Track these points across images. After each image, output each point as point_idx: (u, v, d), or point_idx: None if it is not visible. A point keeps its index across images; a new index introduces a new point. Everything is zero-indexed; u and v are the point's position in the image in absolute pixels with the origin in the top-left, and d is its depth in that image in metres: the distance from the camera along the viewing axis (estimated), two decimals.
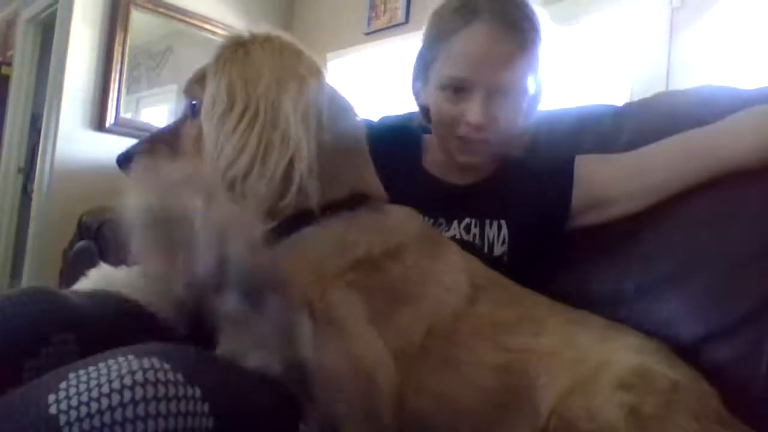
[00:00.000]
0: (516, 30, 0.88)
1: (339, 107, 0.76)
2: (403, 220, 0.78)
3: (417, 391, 0.68)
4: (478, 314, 0.74)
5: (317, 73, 0.73)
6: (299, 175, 0.66)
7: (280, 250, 0.70)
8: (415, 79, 1.03)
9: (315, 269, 0.67)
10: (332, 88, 0.77)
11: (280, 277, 0.57)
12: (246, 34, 0.73)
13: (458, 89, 0.91)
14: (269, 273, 0.57)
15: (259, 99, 0.68)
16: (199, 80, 0.76)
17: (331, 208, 0.71)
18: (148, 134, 0.82)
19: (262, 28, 0.74)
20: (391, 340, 0.66)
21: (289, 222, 0.71)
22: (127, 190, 0.56)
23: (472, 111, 0.90)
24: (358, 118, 0.81)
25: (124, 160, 0.78)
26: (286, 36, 0.75)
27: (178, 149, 0.76)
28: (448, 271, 0.76)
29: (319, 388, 0.58)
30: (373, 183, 0.80)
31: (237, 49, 0.72)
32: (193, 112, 0.76)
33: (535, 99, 0.99)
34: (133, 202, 0.54)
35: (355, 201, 0.74)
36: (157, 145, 0.78)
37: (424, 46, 0.99)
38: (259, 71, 0.69)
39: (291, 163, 0.67)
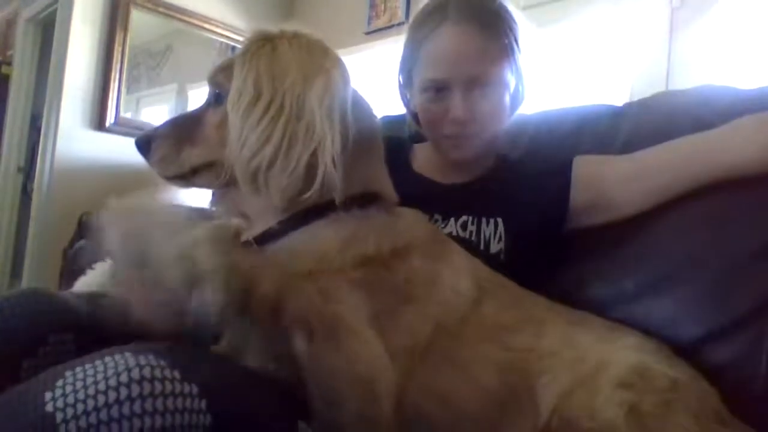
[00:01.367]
0: (482, 24, 0.91)
1: (360, 106, 0.77)
2: (412, 222, 0.79)
3: (421, 391, 0.68)
4: (483, 315, 0.74)
5: (343, 71, 0.73)
6: (323, 168, 0.67)
7: (288, 242, 0.71)
8: (402, 86, 1.06)
9: (320, 262, 0.67)
10: (353, 87, 0.77)
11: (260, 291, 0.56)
12: (274, 30, 0.74)
13: (438, 89, 0.94)
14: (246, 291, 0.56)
15: (285, 92, 0.68)
16: (224, 70, 0.76)
17: (343, 205, 0.71)
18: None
19: (291, 26, 0.75)
20: (396, 339, 0.66)
21: (300, 215, 0.71)
22: (105, 225, 0.55)
23: (454, 107, 0.92)
24: (376, 119, 0.82)
25: (144, 142, 0.77)
26: (314, 34, 0.75)
27: (198, 135, 0.76)
28: (454, 273, 0.76)
29: (315, 392, 0.58)
30: (386, 183, 0.80)
31: (264, 44, 0.72)
32: (216, 100, 0.76)
33: (519, 93, 1.00)
34: (110, 235, 0.53)
35: (367, 200, 0.74)
36: (178, 129, 0.77)
37: (404, 56, 1.02)
38: (286, 66, 0.70)
39: (314, 156, 0.67)
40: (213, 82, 0.77)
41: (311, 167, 0.67)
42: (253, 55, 0.71)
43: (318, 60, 0.71)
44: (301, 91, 0.68)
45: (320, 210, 0.71)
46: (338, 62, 0.74)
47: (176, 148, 0.76)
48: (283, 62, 0.70)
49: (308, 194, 0.67)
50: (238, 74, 0.71)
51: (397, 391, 0.62)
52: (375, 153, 0.80)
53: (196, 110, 0.79)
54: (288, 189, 0.67)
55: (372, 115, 0.81)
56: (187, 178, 0.77)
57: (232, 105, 0.70)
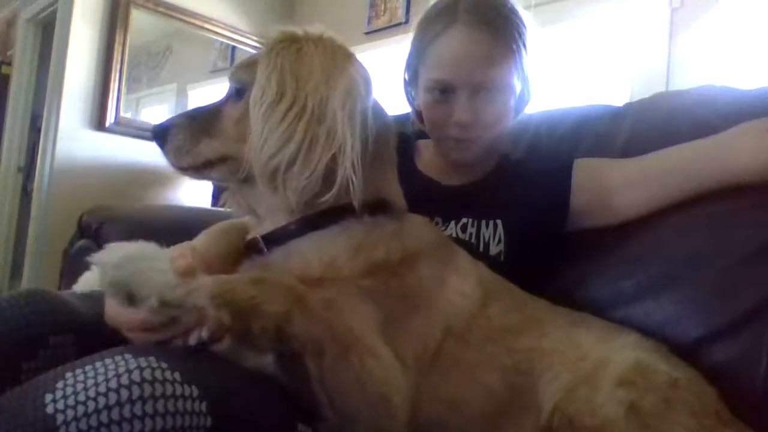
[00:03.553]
0: (492, 28, 0.90)
1: (376, 111, 0.76)
2: (420, 229, 0.79)
3: (431, 396, 0.68)
4: (488, 318, 0.75)
5: (366, 76, 0.74)
6: (343, 172, 0.67)
7: (298, 245, 0.71)
8: (407, 84, 1.06)
9: (329, 269, 0.67)
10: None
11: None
12: (299, 31, 0.74)
13: (444, 91, 0.93)
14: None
15: (308, 94, 0.68)
16: (247, 66, 0.76)
17: (354, 211, 0.71)
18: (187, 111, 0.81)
19: (316, 28, 0.75)
20: (407, 347, 0.66)
21: (312, 218, 0.71)
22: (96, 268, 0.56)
23: (458, 110, 0.92)
24: (391, 124, 0.81)
25: (161, 131, 0.77)
26: (338, 38, 0.75)
27: (216, 128, 0.76)
28: (461, 277, 0.77)
29: (327, 405, 0.58)
30: (396, 191, 0.80)
31: (290, 44, 0.72)
32: (236, 95, 0.76)
33: (524, 97, 1.00)
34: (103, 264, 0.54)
35: (378, 207, 0.74)
36: (196, 121, 0.77)
37: (411, 53, 1.01)
38: (311, 68, 0.70)
39: (334, 159, 0.67)
40: (235, 77, 0.77)
41: (330, 171, 0.67)
42: (278, 54, 0.71)
43: (342, 64, 0.72)
44: (324, 94, 0.68)
45: (333, 214, 0.71)
46: (361, 67, 0.74)
47: (193, 139, 0.75)
48: (307, 64, 0.70)
49: (326, 197, 0.67)
50: (262, 72, 0.71)
51: (411, 405, 0.62)
52: (388, 159, 0.80)
53: (215, 103, 0.79)
54: (305, 191, 0.67)
55: (387, 121, 0.81)
56: (200, 170, 0.76)
57: (255, 102, 0.70)
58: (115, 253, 0.53)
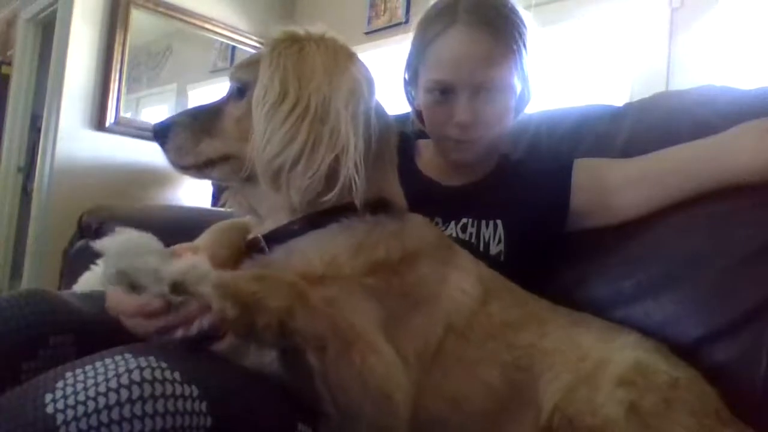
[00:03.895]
0: (493, 29, 0.91)
1: (379, 113, 0.77)
2: (420, 228, 0.79)
3: (433, 393, 0.68)
4: (489, 314, 0.75)
5: (368, 76, 0.74)
6: (346, 171, 0.67)
7: (299, 244, 0.71)
8: (407, 84, 1.06)
9: (330, 267, 0.67)
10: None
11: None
12: (301, 31, 0.74)
13: (444, 91, 0.93)
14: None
15: (310, 94, 0.68)
16: (248, 66, 0.76)
17: (356, 210, 0.71)
18: (187, 109, 0.81)
19: (317, 28, 0.75)
20: (408, 344, 0.67)
21: (314, 217, 0.71)
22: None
23: (459, 111, 0.92)
24: (392, 124, 0.81)
25: (162, 130, 0.76)
26: (340, 37, 0.75)
27: (217, 128, 0.76)
28: (461, 275, 0.77)
29: (329, 402, 0.58)
30: (397, 190, 0.80)
31: (292, 44, 0.72)
32: (238, 94, 0.76)
33: (524, 97, 1.01)
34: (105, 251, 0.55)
35: (379, 206, 0.74)
36: (197, 121, 0.77)
37: (411, 53, 1.01)
38: (313, 68, 0.70)
39: (337, 159, 0.67)
40: (236, 77, 0.77)
41: (333, 170, 0.67)
42: (280, 54, 0.71)
43: (344, 64, 0.72)
44: (327, 94, 0.68)
45: (334, 213, 0.71)
46: (364, 67, 0.74)
47: (194, 138, 0.75)
48: (310, 63, 0.70)
49: (328, 197, 0.68)
50: (265, 71, 0.71)
51: (413, 403, 0.62)
52: (389, 159, 0.80)
53: (217, 102, 0.79)
54: (308, 190, 0.67)
55: (388, 121, 0.81)
56: (202, 169, 0.76)
57: (257, 102, 0.70)
58: (120, 239, 0.54)
